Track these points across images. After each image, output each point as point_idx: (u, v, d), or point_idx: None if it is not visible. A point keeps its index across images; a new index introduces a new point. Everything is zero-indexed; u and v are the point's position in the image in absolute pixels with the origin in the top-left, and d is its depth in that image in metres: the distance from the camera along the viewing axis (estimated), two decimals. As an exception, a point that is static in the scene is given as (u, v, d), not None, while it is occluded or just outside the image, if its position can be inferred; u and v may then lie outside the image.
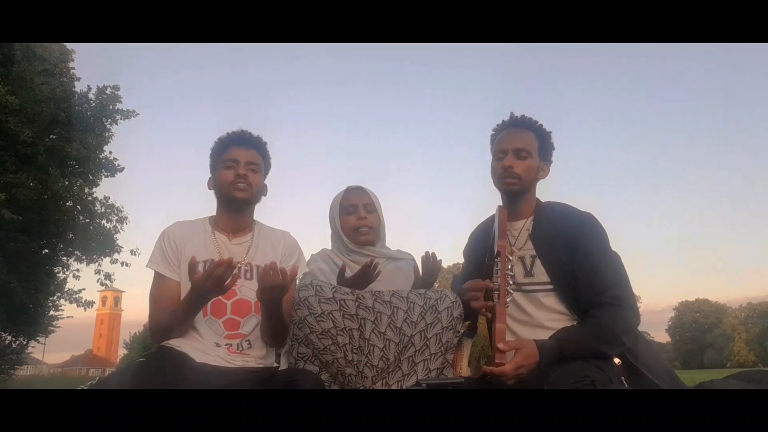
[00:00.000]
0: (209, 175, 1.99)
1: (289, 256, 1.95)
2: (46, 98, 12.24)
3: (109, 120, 13.85)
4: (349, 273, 2.04)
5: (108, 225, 14.68)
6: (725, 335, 62.69)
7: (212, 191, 1.97)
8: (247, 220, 1.98)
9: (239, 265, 1.81)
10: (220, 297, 1.74)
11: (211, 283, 1.56)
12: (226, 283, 1.58)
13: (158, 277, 1.83)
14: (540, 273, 1.79)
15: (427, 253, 2.14)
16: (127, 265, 14.66)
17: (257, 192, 1.95)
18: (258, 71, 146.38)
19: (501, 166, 1.84)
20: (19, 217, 10.79)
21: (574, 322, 1.72)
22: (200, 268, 1.81)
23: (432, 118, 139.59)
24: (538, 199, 1.93)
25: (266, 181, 2.03)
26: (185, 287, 1.80)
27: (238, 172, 1.88)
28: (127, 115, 13.99)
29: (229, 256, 1.81)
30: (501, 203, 1.92)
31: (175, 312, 1.72)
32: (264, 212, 2.06)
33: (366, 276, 1.93)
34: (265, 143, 2.00)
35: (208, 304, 1.77)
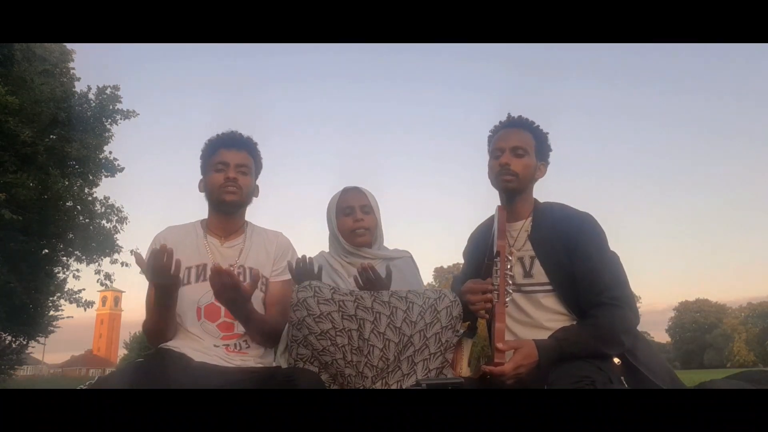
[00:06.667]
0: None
1: (282, 257, 1.94)
2: (46, 98, 12.24)
3: (109, 120, 13.86)
4: (345, 275, 2.02)
5: (108, 225, 14.69)
6: (725, 335, 62.65)
7: (204, 193, 1.96)
8: (239, 222, 1.97)
9: (232, 267, 1.81)
10: (213, 301, 1.74)
11: (158, 274, 1.57)
12: (173, 271, 1.57)
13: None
14: (539, 274, 1.79)
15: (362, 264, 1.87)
16: (127, 265, 14.67)
17: (248, 194, 1.94)
18: (259, 70, 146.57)
19: (498, 163, 1.85)
20: (19, 217, 10.79)
21: (574, 323, 1.72)
22: (192, 273, 1.83)
23: (431, 116, 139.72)
24: (536, 200, 1.93)
25: (261, 180, 2.02)
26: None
27: (228, 175, 1.86)
28: (127, 115, 14.00)
29: (222, 259, 1.82)
30: (500, 204, 1.92)
31: (151, 312, 1.72)
32: (257, 212, 2.06)
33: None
34: (255, 144, 1.98)
35: (202, 308, 1.78)
